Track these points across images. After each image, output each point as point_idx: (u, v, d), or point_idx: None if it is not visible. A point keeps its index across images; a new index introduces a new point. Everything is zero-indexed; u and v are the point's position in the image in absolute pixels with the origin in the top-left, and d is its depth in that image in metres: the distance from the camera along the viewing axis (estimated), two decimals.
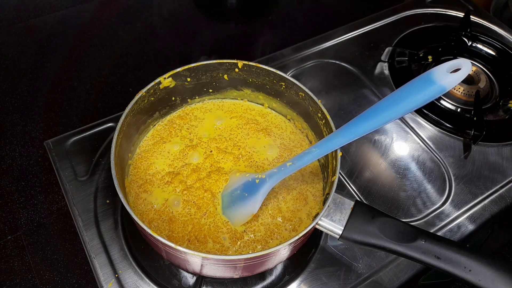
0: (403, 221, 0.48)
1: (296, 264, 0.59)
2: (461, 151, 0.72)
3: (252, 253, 0.43)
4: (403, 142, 0.73)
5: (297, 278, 0.58)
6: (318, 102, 0.55)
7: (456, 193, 0.67)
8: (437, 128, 0.74)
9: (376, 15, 0.92)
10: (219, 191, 0.55)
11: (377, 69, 0.82)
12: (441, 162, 0.70)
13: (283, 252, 0.48)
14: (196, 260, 0.45)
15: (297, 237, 0.44)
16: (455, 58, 0.83)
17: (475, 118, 0.73)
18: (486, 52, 0.87)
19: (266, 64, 0.58)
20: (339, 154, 0.50)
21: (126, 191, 0.54)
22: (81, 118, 0.74)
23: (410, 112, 0.71)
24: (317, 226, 0.49)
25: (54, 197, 0.66)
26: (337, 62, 0.83)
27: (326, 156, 0.55)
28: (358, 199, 0.55)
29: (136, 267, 0.57)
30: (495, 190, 0.68)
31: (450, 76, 0.38)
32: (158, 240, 0.43)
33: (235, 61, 0.59)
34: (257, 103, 0.65)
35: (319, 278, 0.58)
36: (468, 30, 0.87)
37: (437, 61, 0.81)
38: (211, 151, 0.59)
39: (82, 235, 0.59)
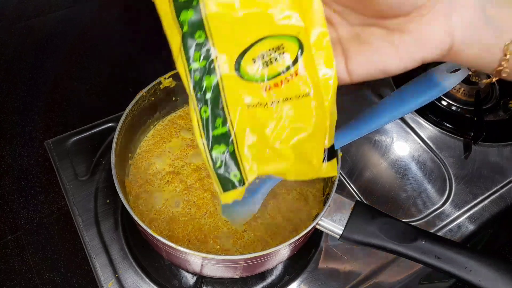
0: (403, 221, 0.48)
1: (296, 264, 0.59)
2: (461, 151, 0.72)
3: (252, 253, 0.43)
4: (403, 142, 0.73)
5: (297, 278, 0.58)
6: None
7: (456, 193, 0.67)
8: (437, 128, 0.74)
9: None
10: None
11: None
12: (441, 162, 0.70)
13: (283, 252, 0.48)
14: (196, 260, 0.45)
15: (297, 237, 0.44)
16: None
17: (475, 118, 0.73)
18: None
19: None
20: (339, 154, 0.50)
21: (126, 191, 0.54)
22: (81, 118, 0.74)
23: (410, 112, 0.70)
24: (317, 226, 0.49)
25: (54, 197, 0.66)
26: None
27: None
28: (358, 199, 0.55)
29: (136, 267, 0.57)
30: (495, 190, 0.68)
31: (450, 76, 0.38)
32: (158, 240, 0.43)
33: None
34: None
35: (319, 278, 0.58)
36: None
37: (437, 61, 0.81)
38: None
39: (82, 235, 0.59)
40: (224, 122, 0.34)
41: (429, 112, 0.76)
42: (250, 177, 0.35)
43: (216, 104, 0.34)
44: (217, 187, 0.35)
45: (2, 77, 0.82)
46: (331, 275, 0.58)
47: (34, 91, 0.80)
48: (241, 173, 0.35)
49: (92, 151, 0.66)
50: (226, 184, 0.35)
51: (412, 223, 0.59)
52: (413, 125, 0.75)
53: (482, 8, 0.29)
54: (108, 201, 0.62)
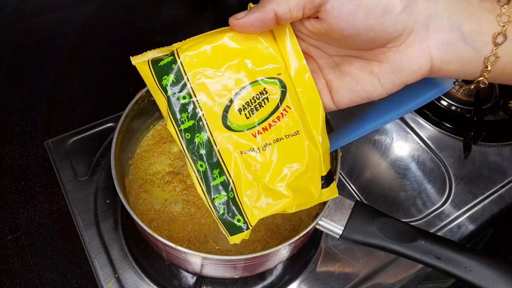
0: (403, 221, 0.48)
1: (296, 264, 0.59)
2: (461, 151, 0.72)
3: (252, 253, 0.43)
4: (403, 142, 0.73)
5: (297, 278, 0.58)
6: None
7: (456, 193, 0.67)
8: (437, 128, 0.74)
9: None
10: None
11: None
12: (441, 162, 0.70)
13: (283, 252, 0.48)
14: (196, 260, 0.45)
15: (297, 237, 0.44)
16: None
17: (475, 118, 0.73)
18: None
19: None
20: (339, 154, 0.50)
21: (126, 191, 0.54)
22: (81, 118, 0.74)
23: (410, 112, 0.70)
24: (317, 226, 0.49)
25: (54, 197, 0.66)
26: None
27: None
28: (358, 199, 0.55)
29: (136, 267, 0.56)
30: (495, 190, 0.68)
31: None
32: (158, 240, 0.43)
33: None
34: None
35: (319, 278, 0.58)
36: None
37: None
38: None
39: (82, 235, 0.59)
40: (221, 173, 0.35)
41: (429, 112, 0.76)
42: (253, 222, 0.36)
43: (210, 157, 0.35)
44: (223, 231, 0.36)
45: (2, 77, 0.82)
46: (331, 275, 0.58)
47: (34, 91, 0.80)
48: (244, 218, 0.36)
49: (92, 151, 0.66)
50: (232, 229, 0.36)
51: (412, 223, 0.59)
52: (413, 125, 0.75)
53: (458, 27, 0.30)
54: (108, 201, 0.62)
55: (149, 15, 0.95)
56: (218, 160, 0.35)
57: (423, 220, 0.64)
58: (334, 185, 0.38)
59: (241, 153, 0.35)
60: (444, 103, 0.77)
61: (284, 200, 0.36)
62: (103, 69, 0.85)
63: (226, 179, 0.35)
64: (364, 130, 0.42)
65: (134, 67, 0.36)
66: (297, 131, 0.36)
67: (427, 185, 0.68)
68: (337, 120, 0.53)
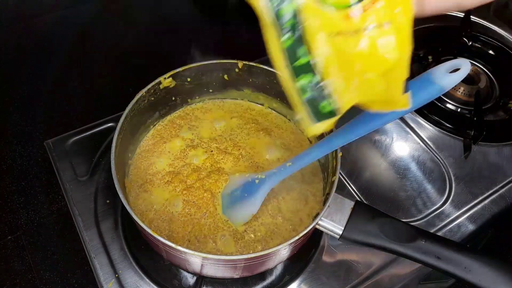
0: (403, 221, 0.48)
1: (296, 264, 0.59)
2: (461, 151, 0.72)
3: (252, 253, 0.43)
4: (403, 142, 0.73)
5: (297, 278, 0.58)
6: None
7: (456, 193, 0.67)
8: (437, 128, 0.74)
9: None
10: (219, 191, 0.55)
11: None
12: (441, 162, 0.70)
13: (283, 252, 0.48)
14: (196, 260, 0.45)
15: (297, 237, 0.44)
16: (455, 58, 0.83)
17: (475, 118, 0.73)
18: (486, 52, 0.87)
19: (266, 64, 0.58)
20: (339, 154, 0.50)
21: (126, 191, 0.54)
22: (81, 118, 0.74)
23: (410, 112, 0.71)
24: (317, 226, 0.49)
25: (54, 197, 0.66)
26: None
27: (326, 156, 0.55)
28: (358, 199, 0.55)
29: (136, 267, 0.56)
30: (495, 190, 0.68)
31: (449, 76, 0.38)
32: (158, 240, 0.43)
33: (235, 61, 0.59)
34: (258, 103, 0.65)
35: (319, 278, 0.58)
36: (468, 30, 0.86)
37: (437, 61, 0.81)
38: (211, 151, 0.59)
39: (82, 235, 0.59)
40: (309, 52, 0.31)
41: (429, 112, 0.76)
42: (344, 108, 0.32)
43: (299, 33, 0.31)
44: (307, 117, 0.33)
45: (2, 77, 0.82)
46: (331, 275, 0.58)
47: (34, 91, 0.80)
48: (331, 104, 0.32)
49: (92, 151, 0.66)
50: (318, 115, 0.32)
51: (412, 223, 0.59)
52: (413, 125, 0.75)
53: None
54: (108, 201, 0.62)
55: (149, 14, 0.95)
56: (307, 37, 0.31)
57: (423, 220, 0.64)
58: (408, 96, 0.35)
59: (333, 34, 0.31)
60: (444, 103, 0.77)
61: (373, 92, 0.33)
62: (103, 69, 0.85)
63: (314, 59, 0.31)
64: (364, 130, 0.42)
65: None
66: (390, 22, 0.32)
67: (427, 185, 0.68)
68: (337, 120, 0.54)
